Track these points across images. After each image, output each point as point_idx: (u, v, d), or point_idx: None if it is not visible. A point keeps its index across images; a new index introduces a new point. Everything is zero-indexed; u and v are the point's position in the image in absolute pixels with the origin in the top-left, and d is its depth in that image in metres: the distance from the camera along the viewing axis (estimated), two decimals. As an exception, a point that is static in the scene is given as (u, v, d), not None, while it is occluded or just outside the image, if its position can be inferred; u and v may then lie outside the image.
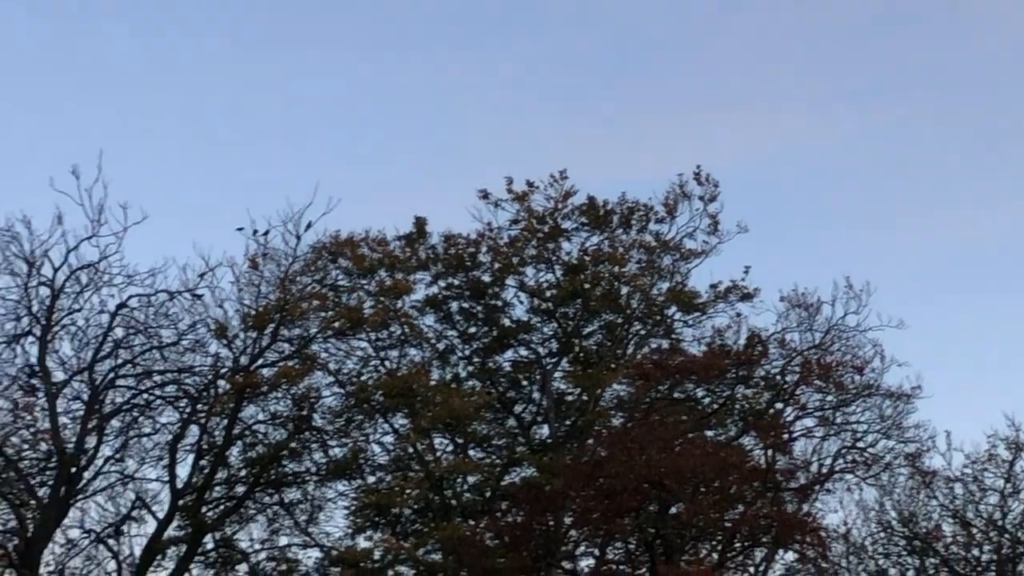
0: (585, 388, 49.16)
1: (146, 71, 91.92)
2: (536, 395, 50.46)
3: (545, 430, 49.81)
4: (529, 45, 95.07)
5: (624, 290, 50.28)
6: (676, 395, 48.60)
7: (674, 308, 50.98)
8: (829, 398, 48.74)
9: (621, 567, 45.31)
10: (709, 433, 47.82)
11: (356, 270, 48.53)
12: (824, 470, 49.01)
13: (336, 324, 47.25)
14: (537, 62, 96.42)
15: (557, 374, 50.21)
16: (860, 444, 49.39)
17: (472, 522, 47.01)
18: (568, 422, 49.62)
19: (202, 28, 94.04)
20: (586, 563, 47.05)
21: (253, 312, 45.91)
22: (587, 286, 49.71)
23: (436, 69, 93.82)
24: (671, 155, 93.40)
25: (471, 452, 48.91)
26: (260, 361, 46.09)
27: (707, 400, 49.12)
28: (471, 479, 48.39)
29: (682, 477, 42.84)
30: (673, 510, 44.03)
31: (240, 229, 46.20)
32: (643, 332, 51.01)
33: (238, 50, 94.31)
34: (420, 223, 50.19)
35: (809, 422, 49.32)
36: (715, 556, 44.88)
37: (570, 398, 50.37)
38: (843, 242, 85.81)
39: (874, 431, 49.27)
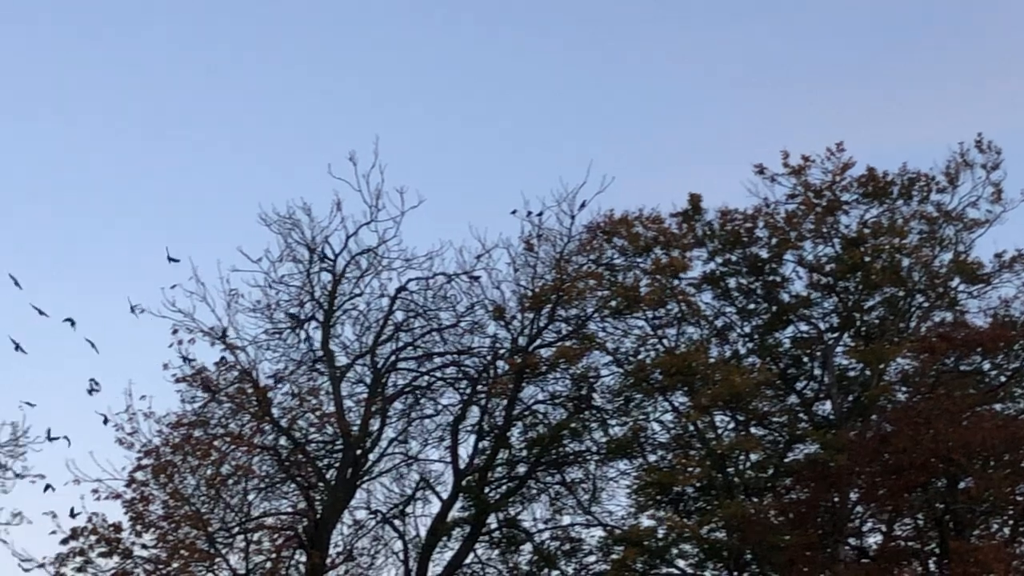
0: (868, 363, 47.61)
1: (418, 57, 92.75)
2: (817, 371, 49.16)
3: (827, 406, 48.45)
4: (803, 14, 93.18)
5: (905, 262, 48.59)
6: (962, 368, 46.73)
7: (957, 279, 49.14)
8: None
9: (909, 543, 43.73)
10: (997, 407, 45.83)
11: (631, 249, 47.98)
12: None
13: (613, 303, 46.83)
14: (810, 32, 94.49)
15: (838, 349, 48.72)
16: None
17: (756, 500, 46.04)
18: (851, 398, 48.18)
19: (478, 16, 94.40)
20: (873, 539, 45.55)
21: (530, 293, 45.83)
22: (867, 259, 48.11)
23: (708, 41, 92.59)
24: (951, 123, 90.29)
25: (752, 429, 47.80)
26: (538, 342, 46.07)
27: (994, 373, 47.11)
28: (753, 456, 47.29)
29: (971, 451, 41.13)
30: (962, 485, 42.34)
31: (514, 212, 46.21)
32: (926, 305, 49.24)
33: (509, 36, 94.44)
34: (695, 199, 49.30)
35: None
36: (1006, 531, 43.03)
37: (852, 373, 48.85)
38: None
39: None
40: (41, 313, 40.91)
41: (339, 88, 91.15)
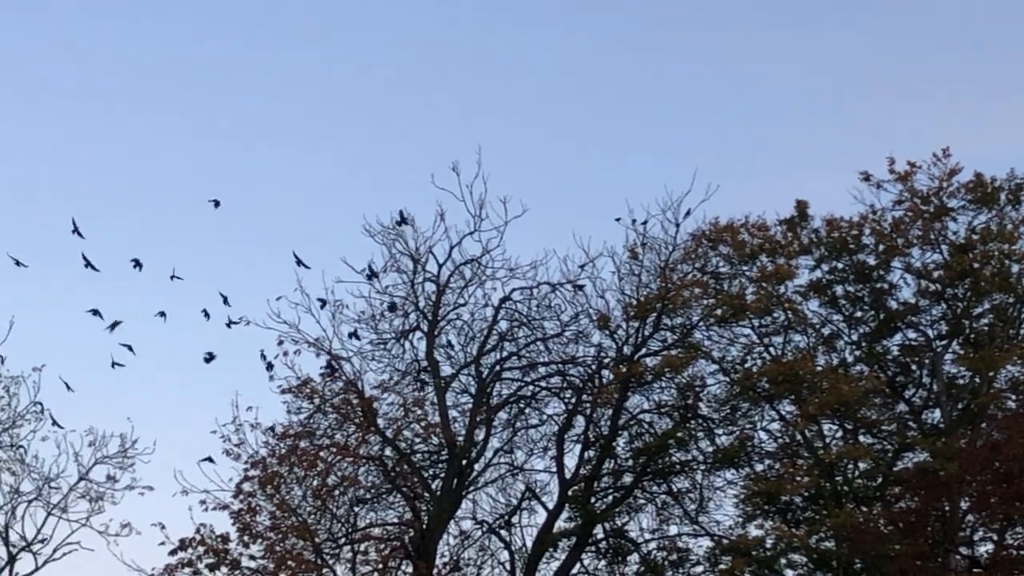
0: (977, 370, 46.73)
1: (521, 65, 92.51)
2: (926, 379, 48.32)
3: (937, 414, 47.65)
4: (908, 17, 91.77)
5: (1015, 268, 47.56)
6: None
7: (1068, 285, 48.07)
8: None
9: (1021, 552, 42.80)
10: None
11: (737, 256, 47.50)
12: None
13: (718, 311, 46.36)
14: (915, 36, 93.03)
15: (947, 357, 47.86)
16: None
17: (865, 508, 45.28)
18: (960, 405, 47.26)
19: (580, 25, 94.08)
20: (985, 548, 44.63)
21: (635, 302, 45.48)
22: (976, 265, 47.29)
23: (813, 45, 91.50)
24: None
25: (861, 438, 47.08)
26: (643, 351, 45.72)
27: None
28: (862, 465, 46.55)
29: (1084, 458, 40.30)
30: (1076, 493, 41.41)
31: (618, 219, 45.95)
32: (1036, 311, 48.27)
33: (612, 44, 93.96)
34: (801, 206, 48.74)
35: None
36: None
37: (962, 381, 47.97)
38: None
39: None
40: (130, 350, 42.20)
41: (441, 98, 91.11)
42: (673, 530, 47.28)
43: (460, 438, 43.01)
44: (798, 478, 45.01)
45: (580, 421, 45.73)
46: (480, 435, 43.78)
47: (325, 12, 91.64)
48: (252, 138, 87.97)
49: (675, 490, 46.99)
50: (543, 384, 45.71)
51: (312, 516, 41.19)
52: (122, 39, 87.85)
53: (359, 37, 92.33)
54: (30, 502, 43.98)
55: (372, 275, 43.57)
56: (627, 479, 46.72)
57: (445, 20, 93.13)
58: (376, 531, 43.06)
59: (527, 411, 46.01)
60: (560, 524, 45.55)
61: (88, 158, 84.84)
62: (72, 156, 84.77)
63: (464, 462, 43.09)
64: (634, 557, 46.92)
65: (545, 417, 46.24)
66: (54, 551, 44.18)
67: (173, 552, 39.81)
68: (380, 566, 41.65)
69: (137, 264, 43.13)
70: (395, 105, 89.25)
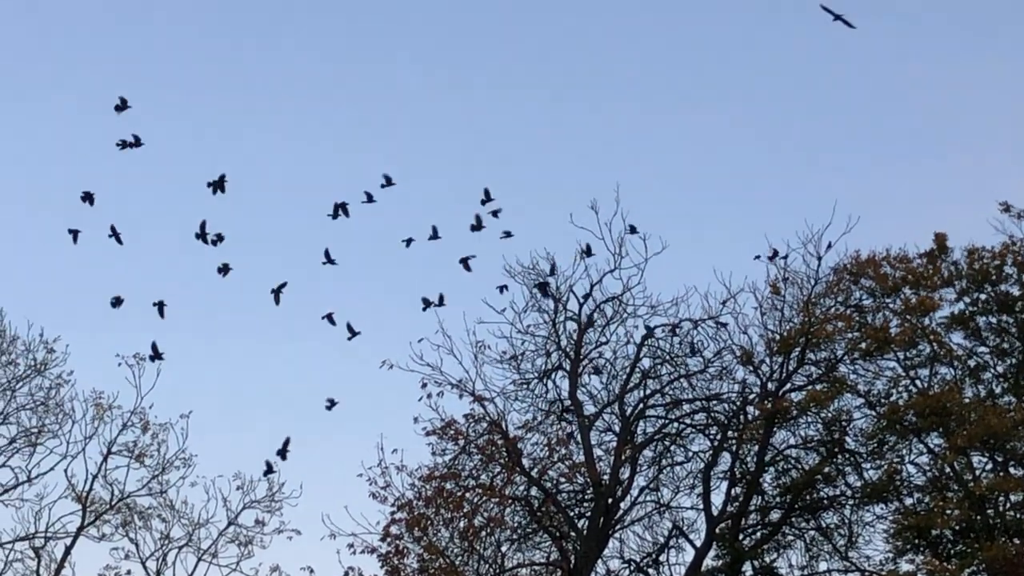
0: None
1: (657, 101, 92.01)
2: (1078, 409, 46.70)
3: (1089, 445, 46.00)
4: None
5: None
6: None
7: None
8: None
9: None
10: None
11: (879, 289, 46.34)
12: None
13: (863, 345, 45.22)
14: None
15: (1098, 386, 46.26)
16: None
17: (1017, 541, 43.71)
18: (1114, 435, 45.62)
19: (712, 54, 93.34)
20: None
21: (778, 336, 44.58)
22: (1123, 293, 45.74)
23: (950, 74, 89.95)
24: None
25: (1012, 469, 45.58)
26: (788, 385, 44.74)
27: None
28: (1013, 497, 45.01)
29: None
30: None
31: (757, 257, 45.20)
32: None
33: (747, 74, 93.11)
34: (940, 239, 47.46)
35: None
36: None
37: (1115, 411, 46.32)
38: None
39: None
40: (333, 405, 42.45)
41: (578, 138, 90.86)
42: (823, 566, 46.23)
43: (605, 477, 42.32)
44: (948, 511, 43.54)
45: (726, 458, 44.93)
46: (625, 473, 43.04)
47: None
48: (383, 171, 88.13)
49: (824, 526, 45.93)
50: (688, 421, 45.02)
51: (460, 558, 40.59)
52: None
53: (490, 73, 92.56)
54: (180, 548, 44.03)
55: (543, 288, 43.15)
56: (775, 515, 45.75)
57: (578, 60, 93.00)
58: (524, 572, 42.43)
59: (672, 448, 45.30)
60: (708, 562, 44.65)
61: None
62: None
63: (610, 501, 42.34)
64: (785, 594, 45.83)
65: (691, 454, 45.53)
66: (205, 597, 44.29)
67: (323, 594, 39.52)
68: (529, 606, 40.98)
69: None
70: (533, 145, 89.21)
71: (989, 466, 45.74)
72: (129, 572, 43.83)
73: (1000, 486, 43.82)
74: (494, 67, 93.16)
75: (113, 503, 44.47)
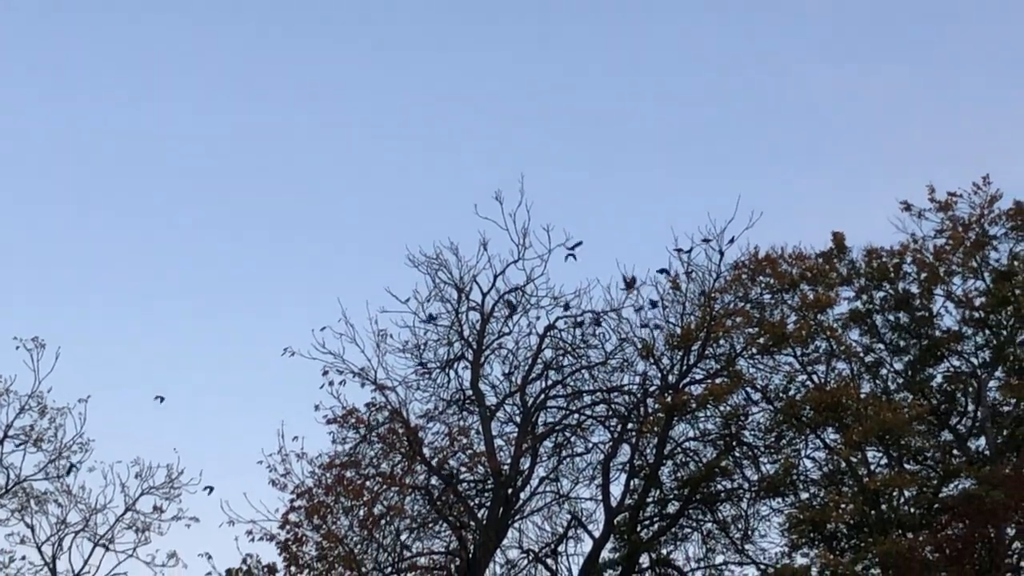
0: (1022, 398, 45.00)
1: (564, 93, 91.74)
2: (971, 407, 46.51)
3: (982, 441, 45.76)
4: (942, 48, 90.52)
5: (1058, 295, 45.86)
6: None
7: (1112, 312, 46.19)
8: None
9: (1071, 578, 41.02)
10: None
11: (778, 285, 45.81)
12: None
13: (760, 340, 44.68)
14: (949, 66, 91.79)
15: (992, 384, 46.03)
16: None
17: (911, 536, 43.34)
18: (1005, 433, 45.45)
19: (623, 50, 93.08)
20: (1033, 576, 42.84)
21: (678, 330, 43.89)
22: (1018, 292, 45.56)
23: (849, 77, 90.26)
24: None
25: (906, 465, 45.31)
26: (687, 379, 44.04)
27: None
28: (907, 493, 44.72)
29: None
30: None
31: (679, 250, 44.44)
32: (1080, 338, 46.38)
33: (654, 70, 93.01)
34: (838, 239, 47.22)
35: None
36: None
37: (1007, 408, 46.17)
38: None
39: None
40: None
41: (483, 127, 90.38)
42: (719, 559, 45.49)
43: (506, 467, 41.48)
44: (843, 506, 43.11)
45: (625, 450, 44.08)
46: (526, 464, 42.18)
47: (359, 32, 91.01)
48: (292, 166, 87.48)
49: (721, 519, 45.20)
50: (588, 412, 44.12)
51: (359, 546, 39.66)
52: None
53: (398, 64, 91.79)
54: (77, 533, 42.94)
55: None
56: (673, 508, 45.03)
57: (488, 46, 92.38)
58: (422, 560, 41.55)
59: (572, 440, 44.40)
60: (606, 553, 43.95)
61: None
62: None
63: (510, 491, 41.44)
64: (681, 586, 45.15)
65: (590, 446, 44.56)
66: (101, 582, 43.14)
67: (220, 582, 38.39)
68: (427, 595, 40.13)
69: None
70: (439, 134, 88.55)
71: (884, 461, 45.43)
72: (24, 557, 42.88)
73: (894, 481, 43.48)
74: (393, 56, 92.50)
75: (9, 487, 43.24)
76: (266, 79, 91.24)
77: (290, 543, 39.06)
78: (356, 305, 42.37)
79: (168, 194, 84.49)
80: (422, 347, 42.82)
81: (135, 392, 72.12)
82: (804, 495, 45.00)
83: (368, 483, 40.15)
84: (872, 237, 47.42)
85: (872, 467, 44.85)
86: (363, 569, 39.12)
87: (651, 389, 44.10)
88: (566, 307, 43.04)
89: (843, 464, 44.41)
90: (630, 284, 43.86)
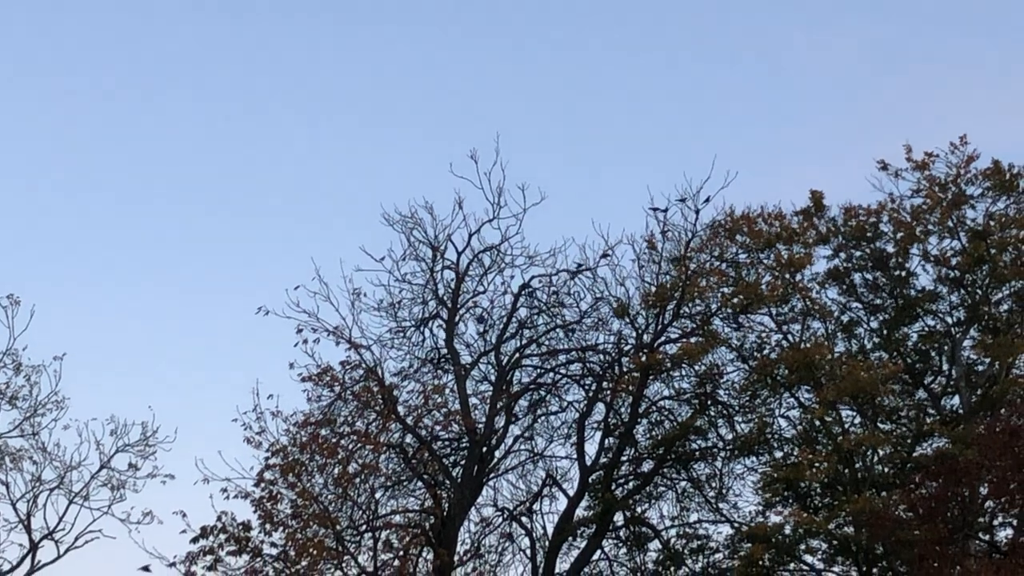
0: (996, 357, 44.83)
1: (541, 53, 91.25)
2: (945, 366, 46.39)
3: (956, 400, 45.71)
4: (923, 5, 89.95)
5: (1033, 254, 45.63)
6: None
7: (1088, 271, 45.98)
8: None
9: (1041, 538, 40.92)
10: None
11: (754, 245, 45.55)
12: None
13: (736, 300, 44.46)
14: (930, 23, 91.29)
15: (966, 343, 45.92)
16: None
17: (884, 494, 43.29)
18: (979, 392, 45.30)
19: (601, 13, 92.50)
20: (1004, 534, 42.79)
21: (653, 289, 43.66)
22: (994, 252, 45.32)
23: (827, 35, 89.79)
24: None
25: (880, 424, 45.18)
26: (662, 339, 43.82)
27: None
28: (881, 451, 44.60)
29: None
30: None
31: (656, 209, 44.20)
32: (1055, 297, 46.19)
33: (631, 32, 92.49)
34: (817, 197, 46.90)
35: None
36: None
37: (981, 368, 46.04)
38: None
39: None
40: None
41: (459, 84, 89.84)
42: (693, 517, 45.49)
43: (480, 425, 41.28)
44: (817, 464, 42.94)
45: (600, 408, 43.86)
46: (500, 422, 41.93)
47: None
48: (265, 125, 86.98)
49: (695, 477, 45.06)
50: (563, 371, 43.89)
51: (333, 504, 39.39)
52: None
53: (372, 23, 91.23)
54: (52, 490, 42.93)
55: None
56: (647, 466, 44.82)
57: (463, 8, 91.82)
58: (397, 518, 41.17)
59: (547, 398, 44.14)
60: (580, 512, 43.77)
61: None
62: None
63: (484, 449, 41.26)
64: (654, 544, 45.03)
65: (565, 404, 44.33)
66: (76, 539, 43.34)
67: (195, 540, 37.97)
68: (401, 553, 39.85)
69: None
70: (414, 92, 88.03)
71: (858, 420, 45.31)
72: (-2, 513, 42.52)
73: (868, 440, 43.35)
74: (368, 17, 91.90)
75: (-18, 444, 43.02)
76: (234, 38, 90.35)
77: (264, 501, 38.71)
78: (330, 264, 42.38)
79: (141, 153, 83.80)
80: (397, 306, 42.55)
81: (110, 350, 71.71)
82: (778, 454, 44.93)
83: (343, 441, 39.77)
84: (850, 197, 46.91)
85: (846, 426, 44.75)
86: (338, 527, 38.81)
87: (626, 348, 43.89)
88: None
89: (817, 423, 44.25)
90: (604, 255, 43.71)
